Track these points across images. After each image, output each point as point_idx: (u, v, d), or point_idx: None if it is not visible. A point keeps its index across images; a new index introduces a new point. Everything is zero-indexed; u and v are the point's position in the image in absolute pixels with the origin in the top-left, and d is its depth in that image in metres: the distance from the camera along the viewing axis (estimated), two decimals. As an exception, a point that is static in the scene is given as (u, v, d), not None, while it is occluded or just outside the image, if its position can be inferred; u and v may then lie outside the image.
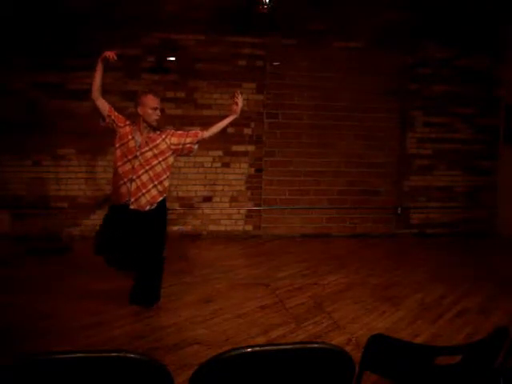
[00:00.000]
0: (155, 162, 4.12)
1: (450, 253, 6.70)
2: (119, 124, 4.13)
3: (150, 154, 4.11)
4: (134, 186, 4.08)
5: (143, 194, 4.09)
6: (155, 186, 4.12)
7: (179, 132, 4.29)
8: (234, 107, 4.31)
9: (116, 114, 4.16)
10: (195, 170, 7.02)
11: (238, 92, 4.37)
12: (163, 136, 4.18)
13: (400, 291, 4.88)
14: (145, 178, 4.09)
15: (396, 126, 7.47)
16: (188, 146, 4.24)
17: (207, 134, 4.30)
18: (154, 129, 4.16)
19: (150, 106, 4.07)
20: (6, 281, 4.86)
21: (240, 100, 4.31)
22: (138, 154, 4.08)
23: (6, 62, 6.33)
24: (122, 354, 1.52)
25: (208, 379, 1.57)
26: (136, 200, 4.09)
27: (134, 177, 4.07)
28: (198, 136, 4.26)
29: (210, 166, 7.05)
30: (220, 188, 7.10)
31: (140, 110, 4.09)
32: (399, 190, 7.56)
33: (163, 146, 4.16)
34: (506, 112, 7.58)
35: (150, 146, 4.12)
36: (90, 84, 4.13)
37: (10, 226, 6.51)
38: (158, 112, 4.11)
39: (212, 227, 7.11)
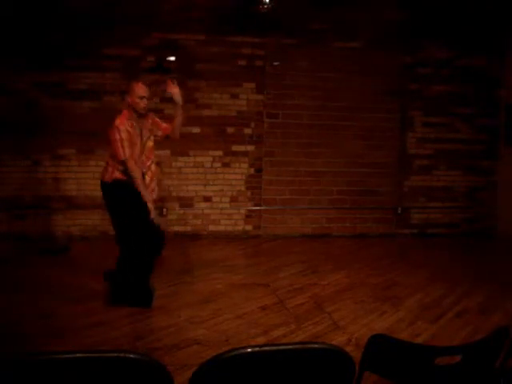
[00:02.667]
0: (151, 146, 4.34)
1: (450, 253, 6.71)
2: (130, 130, 4.13)
3: (149, 143, 4.30)
4: (147, 178, 4.23)
5: (155, 183, 4.34)
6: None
7: (157, 120, 4.43)
8: (174, 97, 4.32)
9: (126, 134, 4.09)
10: (195, 169, 7.02)
11: (170, 80, 4.35)
12: (149, 121, 4.35)
13: (400, 291, 4.88)
14: (153, 167, 4.31)
15: (396, 126, 7.47)
16: (157, 137, 4.44)
17: (174, 136, 4.45)
18: (141, 115, 4.25)
19: (138, 94, 4.15)
20: (6, 281, 4.86)
21: (174, 87, 4.29)
22: (142, 147, 4.24)
23: (6, 62, 6.33)
24: (121, 354, 1.52)
25: (208, 379, 1.57)
26: (153, 191, 4.27)
27: (145, 170, 4.23)
28: (167, 132, 4.42)
29: (209, 166, 7.05)
30: (220, 188, 7.10)
31: (129, 99, 4.17)
32: (399, 190, 7.56)
33: (149, 131, 4.34)
34: (506, 112, 7.58)
35: (147, 135, 4.29)
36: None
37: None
38: (145, 100, 4.18)
39: (212, 227, 7.11)
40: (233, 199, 7.15)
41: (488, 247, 7.15)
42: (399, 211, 7.55)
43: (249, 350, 1.59)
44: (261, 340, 3.65)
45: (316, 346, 1.74)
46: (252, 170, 7.17)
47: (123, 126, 4.08)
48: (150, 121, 4.34)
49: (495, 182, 7.77)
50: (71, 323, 3.85)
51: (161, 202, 6.93)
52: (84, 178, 6.72)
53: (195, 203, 7.06)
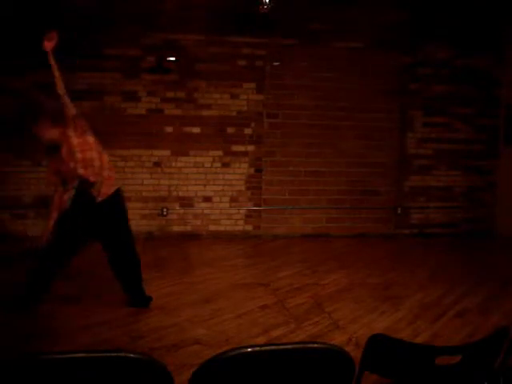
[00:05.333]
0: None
1: (449, 253, 6.70)
2: None
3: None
4: None
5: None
6: None
7: None
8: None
9: None
10: (195, 169, 7.02)
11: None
12: None
13: (400, 291, 4.88)
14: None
15: (396, 126, 7.47)
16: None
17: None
18: None
19: None
20: (6, 281, 4.86)
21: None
22: None
23: (6, 62, 6.33)
24: (122, 354, 1.52)
25: (208, 379, 1.57)
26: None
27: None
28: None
29: (209, 166, 7.05)
30: (220, 188, 7.10)
31: None
32: (399, 190, 7.56)
33: None
34: (506, 112, 7.58)
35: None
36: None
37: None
38: None
39: (212, 227, 7.11)
40: (233, 199, 7.15)
41: (487, 247, 7.15)
42: (399, 211, 7.55)
43: (249, 349, 1.59)
44: (261, 340, 3.65)
45: (316, 345, 1.74)
46: (252, 170, 7.17)
47: None
48: None
49: (495, 182, 7.77)
50: (70, 323, 3.84)
51: (161, 201, 6.94)
52: (84, 178, 6.71)
53: (195, 203, 7.06)
